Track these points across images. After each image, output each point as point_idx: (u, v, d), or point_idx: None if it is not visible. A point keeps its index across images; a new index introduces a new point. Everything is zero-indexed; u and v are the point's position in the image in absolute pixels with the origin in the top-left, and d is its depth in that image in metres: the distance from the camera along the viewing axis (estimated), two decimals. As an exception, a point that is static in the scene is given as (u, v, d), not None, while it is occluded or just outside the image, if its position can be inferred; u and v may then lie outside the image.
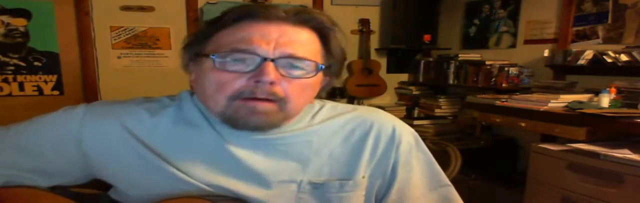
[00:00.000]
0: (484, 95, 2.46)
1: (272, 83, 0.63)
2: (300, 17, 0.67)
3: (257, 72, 0.63)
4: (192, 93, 0.75)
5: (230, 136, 0.70)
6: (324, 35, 0.69)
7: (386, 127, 0.77)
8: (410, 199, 0.78)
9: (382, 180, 0.77)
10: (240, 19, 0.66)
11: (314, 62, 0.66)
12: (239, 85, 0.63)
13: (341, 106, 0.81)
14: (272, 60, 0.63)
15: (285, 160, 0.72)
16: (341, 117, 0.77)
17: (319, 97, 0.77)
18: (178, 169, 0.69)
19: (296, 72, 0.65)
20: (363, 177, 0.75)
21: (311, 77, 0.67)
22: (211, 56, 0.64)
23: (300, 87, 0.67)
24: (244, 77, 0.63)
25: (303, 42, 0.66)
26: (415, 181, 0.79)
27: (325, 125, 0.75)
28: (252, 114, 0.64)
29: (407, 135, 0.79)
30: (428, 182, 0.80)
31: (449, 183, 0.82)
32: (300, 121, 0.74)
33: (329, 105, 0.80)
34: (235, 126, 0.66)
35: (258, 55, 0.63)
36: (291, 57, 0.64)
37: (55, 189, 0.74)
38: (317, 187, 0.72)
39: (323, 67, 0.68)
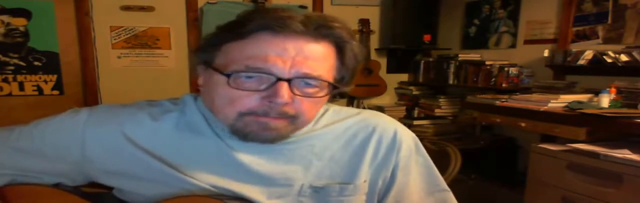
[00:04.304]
0: (484, 95, 2.46)
1: (285, 103, 0.62)
2: (319, 32, 0.64)
3: (271, 92, 0.62)
4: (195, 97, 0.75)
5: (232, 141, 0.70)
6: (340, 47, 0.68)
7: (388, 131, 0.77)
8: None
9: (382, 184, 0.77)
10: (255, 31, 0.63)
11: (328, 82, 0.65)
12: (252, 103, 0.63)
13: (345, 110, 0.81)
14: (288, 80, 0.62)
15: (288, 164, 0.72)
16: (344, 121, 0.77)
17: None
18: (182, 173, 0.69)
19: (309, 90, 0.65)
20: (364, 181, 0.75)
21: (323, 96, 0.66)
22: (224, 74, 0.62)
23: (312, 103, 0.66)
24: (257, 95, 0.63)
25: (319, 58, 0.64)
26: (413, 185, 0.79)
27: (329, 129, 0.75)
28: (263, 130, 0.64)
29: (408, 139, 0.79)
30: (426, 187, 0.80)
31: (447, 188, 0.82)
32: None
33: (333, 109, 0.80)
34: (244, 139, 0.66)
35: (273, 74, 0.61)
36: (307, 76, 0.63)
37: (61, 185, 0.74)
38: (318, 191, 0.73)
39: (335, 86, 0.67)
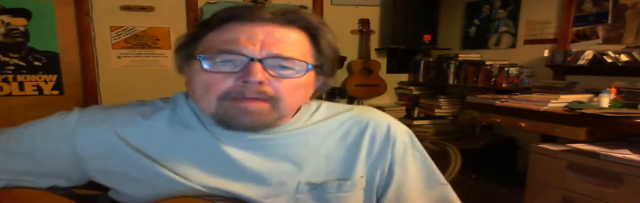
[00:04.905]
0: (484, 95, 2.46)
1: (260, 83, 0.63)
2: (286, 18, 0.66)
3: (245, 72, 0.62)
4: (187, 95, 0.75)
5: (224, 137, 0.70)
6: (313, 35, 0.69)
7: (381, 126, 0.77)
8: (407, 199, 0.78)
9: (380, 180, 0.77)
10: (227, 21, 0.66)
11: (303, 61, 0.66)
12: (227, 85, 0.63)
13: (338, 106, 0.81)
14: (260, 60, 0.63)
15: (282, 161, 0.72)
16: (337, 117, 0.77)
17: (318, 97, 0.76)
18: (174, 172, 0.69)
19: (285, 72, 0.65)
20: (361, 177, 0.75)
21: (300, 76, 0.66)
22: (198, 57, 0.64)
23: (291, 86, 0.66)
24: (232, 78, 0.63)
25: (290, 42, 0.66)
26: (412, 180, 0.79)
27: (321, 125, 0.75)
28: (244, 114, 0.64)
29: (402, 134, 0.79)
30: (424, 181, 0.80)
31: (446, 182, 0.82)
32: (297, 121, 0.74)
33: (325, 105, 0.80)
34: (228, 126, 0.66)
35: (245, 55, 0.63)
36: (278, 57, 0.64)
37: (55, 189, 0.74)
38: (315, 188, 0.72)
39: (311, 66, 0.67)
